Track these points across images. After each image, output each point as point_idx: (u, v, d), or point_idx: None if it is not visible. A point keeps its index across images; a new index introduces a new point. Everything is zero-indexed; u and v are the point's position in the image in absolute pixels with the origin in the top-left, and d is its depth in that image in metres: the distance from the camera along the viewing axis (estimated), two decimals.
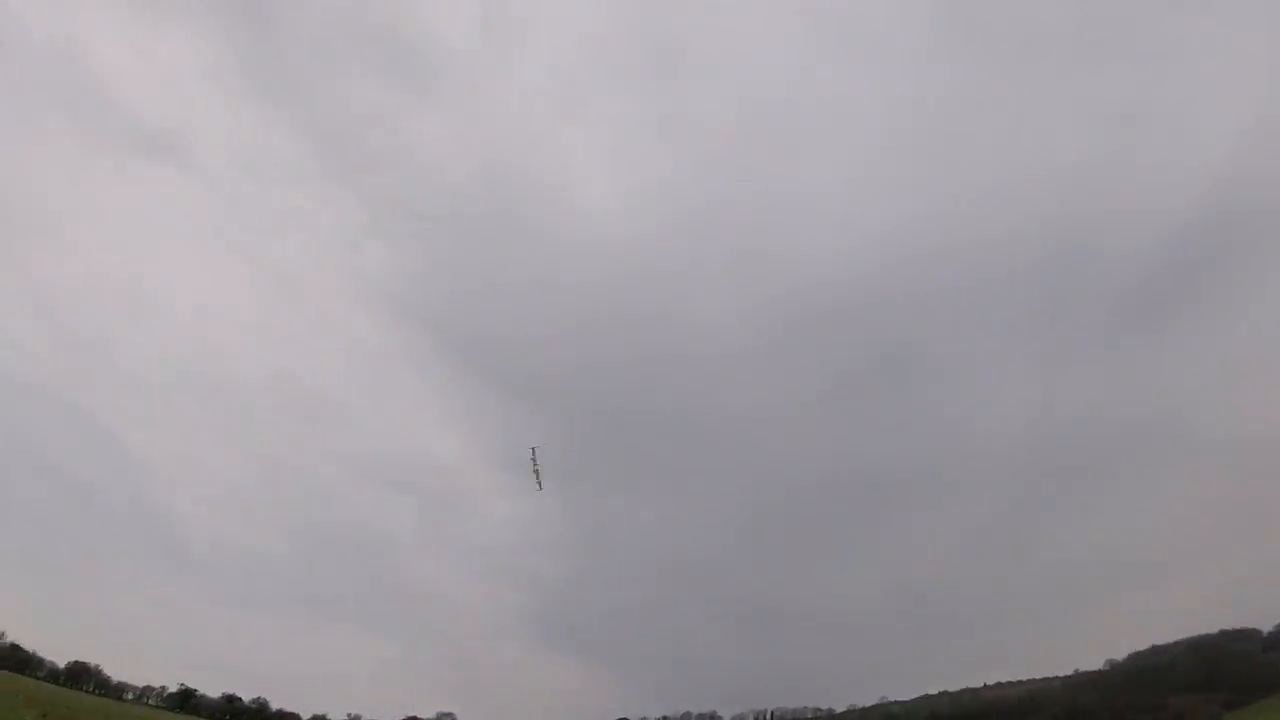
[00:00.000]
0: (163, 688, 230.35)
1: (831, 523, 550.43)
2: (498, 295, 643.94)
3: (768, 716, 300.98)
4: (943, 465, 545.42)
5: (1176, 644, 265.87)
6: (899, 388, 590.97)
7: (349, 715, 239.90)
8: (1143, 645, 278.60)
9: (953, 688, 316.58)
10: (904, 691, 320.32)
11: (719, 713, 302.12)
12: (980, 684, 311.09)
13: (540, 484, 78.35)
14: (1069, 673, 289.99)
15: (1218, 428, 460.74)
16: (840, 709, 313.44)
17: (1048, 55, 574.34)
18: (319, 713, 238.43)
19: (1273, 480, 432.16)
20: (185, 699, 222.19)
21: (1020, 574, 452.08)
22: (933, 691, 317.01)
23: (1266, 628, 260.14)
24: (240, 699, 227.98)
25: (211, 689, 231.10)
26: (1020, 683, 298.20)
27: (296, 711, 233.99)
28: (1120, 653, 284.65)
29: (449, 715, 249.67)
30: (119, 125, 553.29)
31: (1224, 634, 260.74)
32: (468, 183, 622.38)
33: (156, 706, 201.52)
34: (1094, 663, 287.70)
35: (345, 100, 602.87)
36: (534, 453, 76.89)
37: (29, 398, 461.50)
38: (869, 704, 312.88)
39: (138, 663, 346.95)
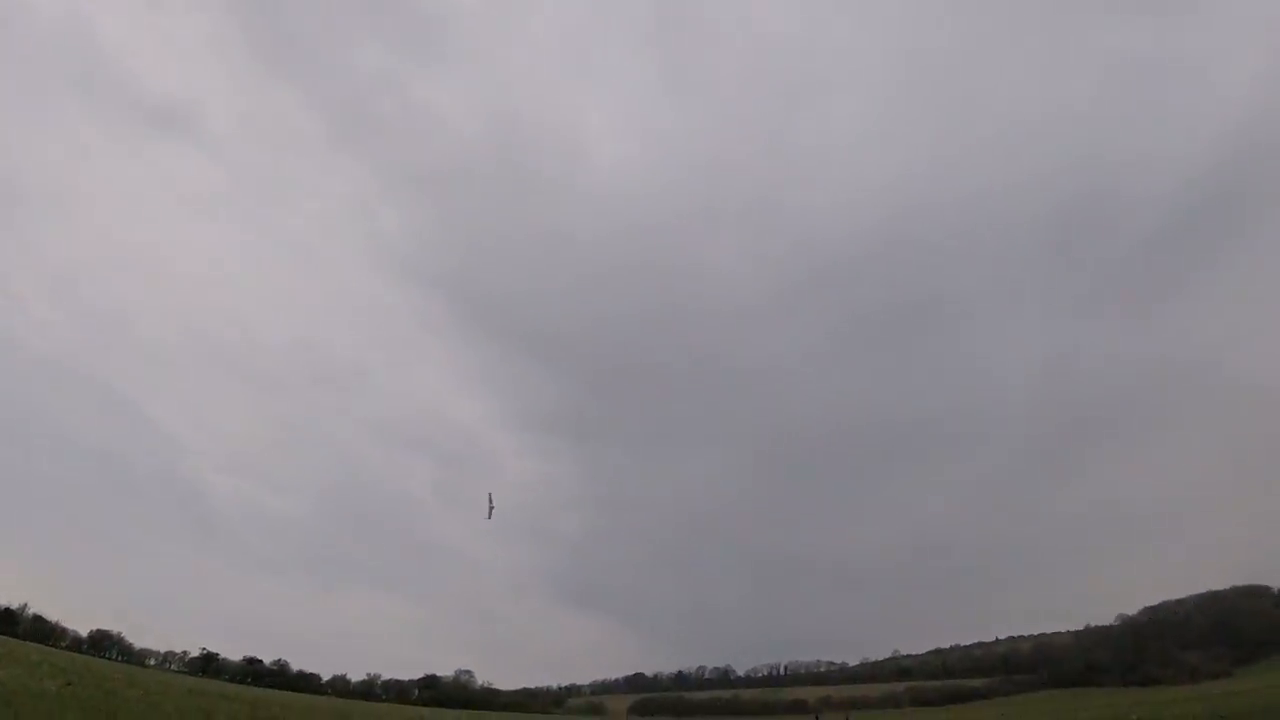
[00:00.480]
0: (184, 653, 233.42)
1: (847, 474, 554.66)
2: (511, 253, 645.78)
3: (780, 670, 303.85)
4: (959, 415, 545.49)
5: (1188, 599, 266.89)
6: (915, 337, 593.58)
7: (368, 674, 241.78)
8: (1155, 600, 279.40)
9: (964, 641, 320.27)
10: (916, 645, 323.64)
11: (733, 667, 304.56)
12: (992, 638, 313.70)
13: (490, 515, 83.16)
14: (1080, 627, 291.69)
15: (1239, 378, 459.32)
16: (853, 663, 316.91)
17: (1065, 5, 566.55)
18: (339, 673, 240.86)
19: None
20: (207, 663, 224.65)
21: (1035, 526, 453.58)
22: (944, 645, 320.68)
23: (1278, 585, 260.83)
24: (261, 661, 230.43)
25: (233, 653, 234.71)
26: (1031, 637, 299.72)
27: (316, 672, 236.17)
28: (1133, 607, 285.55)
29: (467, 672, 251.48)
30: (127, 99, 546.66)
31: (1235, 590, 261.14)
32: (478, 143, 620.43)
33: (179, 671, 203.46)
34: (1105, 617, 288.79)
35: (353, 66, 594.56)
36: (490, 497, 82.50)
37: (51, 372, 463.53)
38: (881, 658, 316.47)
39: (161, 629, 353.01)
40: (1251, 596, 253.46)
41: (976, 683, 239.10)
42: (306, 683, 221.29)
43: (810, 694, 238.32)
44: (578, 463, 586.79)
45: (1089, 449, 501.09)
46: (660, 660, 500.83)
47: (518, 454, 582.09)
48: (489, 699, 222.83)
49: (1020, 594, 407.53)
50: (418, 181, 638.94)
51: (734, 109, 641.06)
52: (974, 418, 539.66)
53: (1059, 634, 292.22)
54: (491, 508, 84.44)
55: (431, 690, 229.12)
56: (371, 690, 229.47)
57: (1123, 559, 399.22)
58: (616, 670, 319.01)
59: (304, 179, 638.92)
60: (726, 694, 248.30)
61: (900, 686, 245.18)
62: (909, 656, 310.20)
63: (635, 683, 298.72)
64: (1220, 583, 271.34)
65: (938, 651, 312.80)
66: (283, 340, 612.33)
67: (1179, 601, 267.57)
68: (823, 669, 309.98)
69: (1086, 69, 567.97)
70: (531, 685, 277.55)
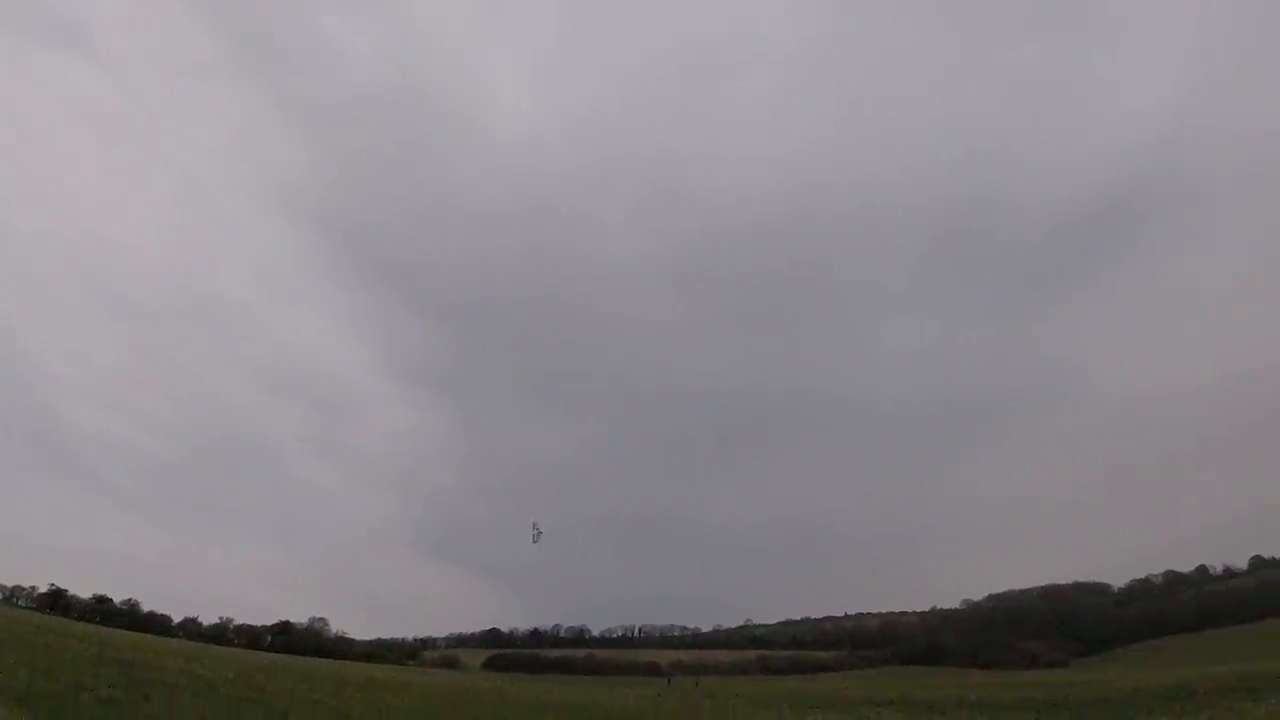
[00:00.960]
0: (33, 588, 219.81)
1: (718, 444, 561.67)
2: (405, 204, 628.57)
3: (635, 632, 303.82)
4: (836, 396, 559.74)
5: (1033, 590, 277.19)
6: (801, 315, 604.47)
7: (221, 618, 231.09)
8: (1001, 589, 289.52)
9: (815, 615, 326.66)
10: (768, 616, 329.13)
11: (588, 627, 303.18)
12: (843, 613, 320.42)
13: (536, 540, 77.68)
14: (927, 609, 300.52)
15: (1105, 387, 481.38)
16: (706, 629, 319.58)
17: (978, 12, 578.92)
18: (191, 615, 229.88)
19: (1147, 444, 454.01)
20: (55, 599, 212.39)
21: (894, 510, 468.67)
22: (795, 617, 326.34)
23: (1118, 583, 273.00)
24: (111, 600, 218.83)
25: (84, 590, 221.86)
26: (880, 614, 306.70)
27: (168, 614, 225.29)
28: (979, 594, 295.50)
29: (322, 620, 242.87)
30: (16, 9, 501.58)
31: (1078, 585, 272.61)
32: (383, 88, 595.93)
33: (26, 607, 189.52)
34: (952, 601, 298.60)
35: None
36: (535, 525, 77.06)
37: None
38: (734, 626, 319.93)
39: (9, 564, 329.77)
40: (1093, 593, 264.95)
41: (824, 655, 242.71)
42: (157, 623, 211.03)
43: (663, 657, 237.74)
44: (449, 416, 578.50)
45: (956, 440, 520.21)
46: (517, 617, 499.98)
47: (390, 403, 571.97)
48: (342, 648, 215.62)
49: (873, 573, 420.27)
50: (318, 120, 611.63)
51: (642, 78, 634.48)
52: (850, 400, 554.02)
53: (906, 614, 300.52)
54: (538, 533, 78.80)
55: (285, 637, 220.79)
56: (224, 634, 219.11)
57: (975, 547, 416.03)
58: (473, 625, 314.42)
59: (199, 105, 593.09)
60: (580, 653, 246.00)
61: (751, 654, 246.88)
62: (761, 626, 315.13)
63: (491, 638, 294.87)
64: (1064, 577, 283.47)
65: (789, 623, 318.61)
66: (161, 271, 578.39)
67: (1024, 592, 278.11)
68: (676, 633, 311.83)
69: (992, 75, 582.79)
70: (387, 636, 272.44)
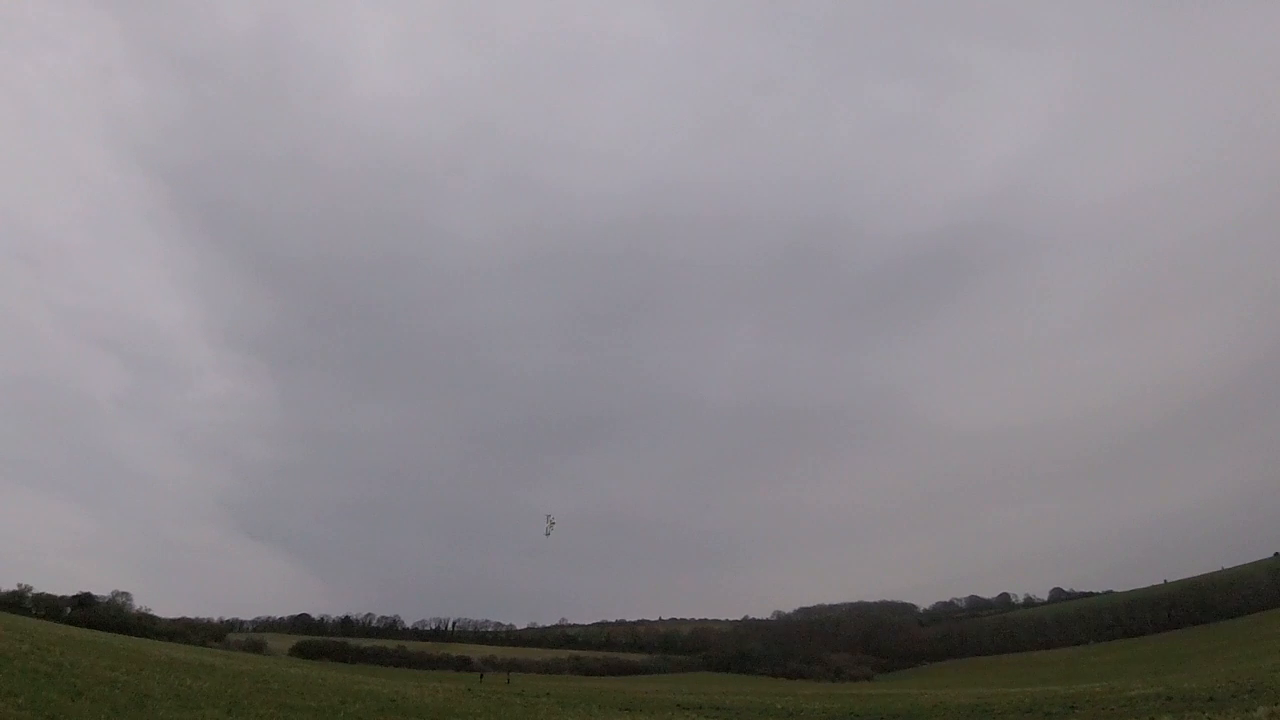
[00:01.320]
0: None
1: (546, 445, 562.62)
2: (255, 163, 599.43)
3: (449, 626, 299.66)
4: (670, 404, 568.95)
5: (841, 606, 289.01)
6: (641, 323, 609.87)
7: (19, 585, 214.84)
8: (811, 602, 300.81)
9: (629, 618, 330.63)
10: (583, 616, 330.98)
11: (401, 618, 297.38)
12: (656, 618, 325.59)
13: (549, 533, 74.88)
14: (739, 618, 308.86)
15: (925, 417, 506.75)
16: (521, 626, 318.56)
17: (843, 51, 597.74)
18: None
19: (959, 476, 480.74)
20: None
21: (716, 520, 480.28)
22: (610, 620, 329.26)
23: (924, 604, 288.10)
24: None
25: None
26: (692, 621, 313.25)
27: None
28: (789, 606, 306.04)
29: (125, 594, 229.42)
30: None
31: (885, 604, 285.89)
32: (246, 39, 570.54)
33: None
34: (764, 611, 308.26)
35: None
36: (549, 518, 74.18)
37: None
38: (549, 624, 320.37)
39: None
40: (899, 612, 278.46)
41: (637, 658, 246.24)
42: None
43: (476, 651, 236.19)
44: (278, 391, 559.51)
45: (780, 454, 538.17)
46: (329, 603, 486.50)
47: (216, 370, 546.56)
48: (145, 625, 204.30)
49: (690, 579, 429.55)
50: (172, 61, 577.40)
51: (514, 60, 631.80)
52: (681, 404, 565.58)
53: (719, 621, 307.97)
54: (551, 524, 75.32)
55: (85, 609, 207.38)
56: (20, 603, 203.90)
57: (788, 560, 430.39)
58: (282, 609, 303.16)
59: (44, 28, 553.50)
60: (392, 644, 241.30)
61: (564, 654, 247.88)
62: (575, 626, 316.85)
63: (300, 623, 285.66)
64: (873, 595, 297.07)
65: (603, 624, 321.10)
66: None
67: (833, 606, 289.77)
68: (491, 629, 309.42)
69: (856, 110, 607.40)
70: (192, 615, 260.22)
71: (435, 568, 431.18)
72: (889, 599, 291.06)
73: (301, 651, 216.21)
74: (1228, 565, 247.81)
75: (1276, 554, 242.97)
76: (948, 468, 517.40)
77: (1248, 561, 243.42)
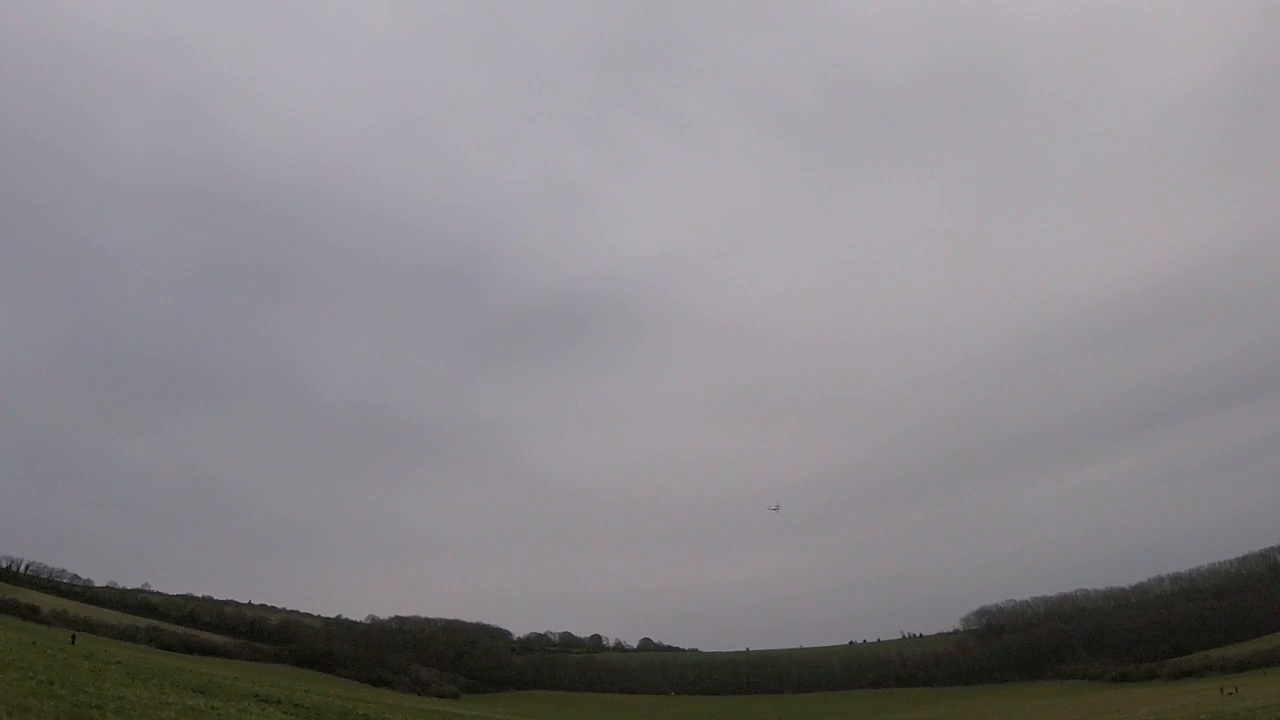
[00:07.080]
0: None
1: (156, 396, 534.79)
2: None
3: (21, 567, 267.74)
4: (287, 388, 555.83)
5: (438, 620, 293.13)
6: (269, 301, 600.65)
7: None
8: (408, 613, 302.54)
9: (218, 595, 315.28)
10: (169, 586, 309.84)
11: None
12: (246, 600, 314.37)
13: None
14: (333, 615, 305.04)
15: (528, 463, 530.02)
16: (100, 583, 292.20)
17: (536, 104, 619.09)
18: None
19: (560, 521, 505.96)
20: None
21: (322, 512, 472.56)
22: (197, 594, 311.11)
23: (519, 633, 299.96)
24: None
25: None
26: (283, 611, 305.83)
27: None
28: (385, 613, 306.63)
29: None
30: None
31: (480, 626, 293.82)
32: None
33: None
34: (358, 614, 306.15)
35: None
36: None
37: None
38: (130, 587, 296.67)
39: None
40: (493, 636, 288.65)
41: (220, 640, 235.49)
42: None
43: (47, 602, 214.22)
44: None
45: (394, 460, 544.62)
46: None
47: None
48: None
49: (285, 566, 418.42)
50: None
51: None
52: (303, 394, 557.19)
53: (310, 616, 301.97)
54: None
55: None
56: None
57: (390, 567, 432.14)
58: None
59: None
60: None
61: (143, 622, 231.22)
62: (158, 594, 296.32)
63: None
64: (469, 616, 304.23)
65: (189, 598, 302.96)
66: None
67: (429, 620, 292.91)
68: (67, 580, 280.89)
69: (532, 161, 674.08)
70: None
71: (12, 500, 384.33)
72: (484, 622, 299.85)
73: None
74: (806, 645, 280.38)
75: (851, 642, 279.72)
76: (548, 509, 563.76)
77: (824, 645, 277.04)
